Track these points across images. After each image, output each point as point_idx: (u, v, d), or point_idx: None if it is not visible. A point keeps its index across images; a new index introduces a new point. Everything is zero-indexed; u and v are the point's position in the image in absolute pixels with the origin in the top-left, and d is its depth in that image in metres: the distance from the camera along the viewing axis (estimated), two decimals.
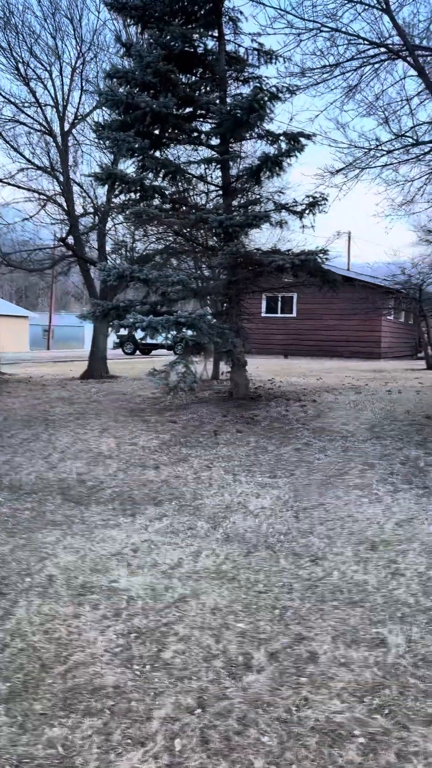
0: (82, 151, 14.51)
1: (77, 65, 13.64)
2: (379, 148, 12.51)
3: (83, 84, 13.63)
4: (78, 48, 13.64)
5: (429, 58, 9.31)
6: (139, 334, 29.42)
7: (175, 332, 7.64)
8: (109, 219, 13.93)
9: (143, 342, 31.85)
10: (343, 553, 4.62)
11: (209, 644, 3.47)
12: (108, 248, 14.00)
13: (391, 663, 3.25)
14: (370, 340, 25.19)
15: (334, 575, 4.27)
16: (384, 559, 4.50)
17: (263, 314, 26.58)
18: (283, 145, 8.52)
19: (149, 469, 6.95)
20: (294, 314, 26.53)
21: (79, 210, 14.22)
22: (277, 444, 7.43)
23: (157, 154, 8.92)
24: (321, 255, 8.00)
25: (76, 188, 14.14)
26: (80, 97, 13.84)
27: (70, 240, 13.84)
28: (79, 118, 13.90)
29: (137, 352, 32.75)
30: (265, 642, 3.48)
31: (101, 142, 12.21)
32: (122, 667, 3.27)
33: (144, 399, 10.37)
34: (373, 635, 3.52)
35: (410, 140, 12.62)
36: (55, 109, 13.59)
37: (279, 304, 26.64)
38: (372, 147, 12.45)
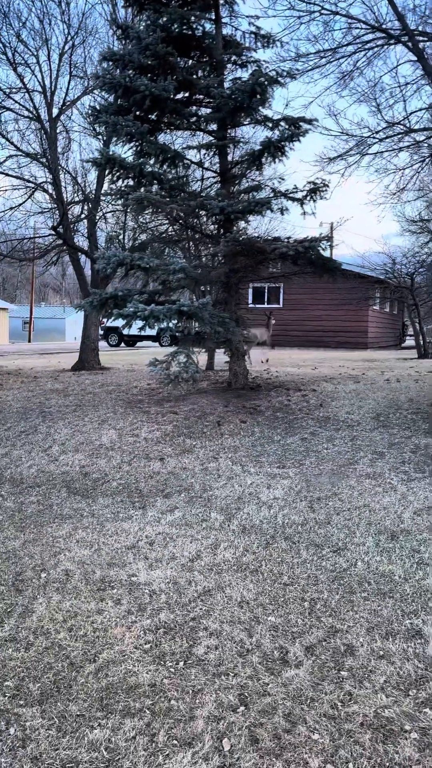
0: (70, 138, 14.20)
1: (65, 50, 13.35)
2: (373, 136, 12.45)
3: (71, 69, 13.35)
4: (66, 32, 13.35)
5: (429, 43, 9.23)
6: (120, 324, 28.87)
7: (176, 321, 7.49)
8: (99, 207, 13.68)
9: (128, 333, 31.57)
10: (364, 544, 4.54)
11: (242, 639, 3.37)
12: (103, 236, 13.75)
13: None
14: (357, 331, 25.20)
15: (359, 566, 4.19)
16: (406, 549, 4.43)
17: (250, 305, 26.45)
18: (279, 131, 8.36)
19: (154, 460, 6.82)
20: (281, 305, 26.45)
21: (69, 198, 13.94)
22: (283, 434, 7.33)
23: (153, 139, 8.70)
24: (325, 242, 7.90)
25: (64, 176, 13.86)
26: (68, 83, 13.57)
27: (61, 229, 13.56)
28: (67, 104, 13.60)
29: (122, 344, 32.48)
30: (299, 635, 3.39)
31: (94, 127, 12.01)
32: (155, 664, 3.16)
33: (141, 390, 10.21)
34: (407, 626, 3.45)
35: (403, 128, 12.59)
36: (43, 95, 13.29)
37: (266, 294, 26.53)
38: (366, 135, 12.38)
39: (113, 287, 13.29)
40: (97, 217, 13.76)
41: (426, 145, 11.83)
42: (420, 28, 9.37)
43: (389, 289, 21.07)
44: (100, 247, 13.63)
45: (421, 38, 8.96)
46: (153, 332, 33.66)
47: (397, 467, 6.11)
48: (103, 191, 10.71)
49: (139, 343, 32.44)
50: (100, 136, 12.79)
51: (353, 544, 4.56)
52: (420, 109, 10.47)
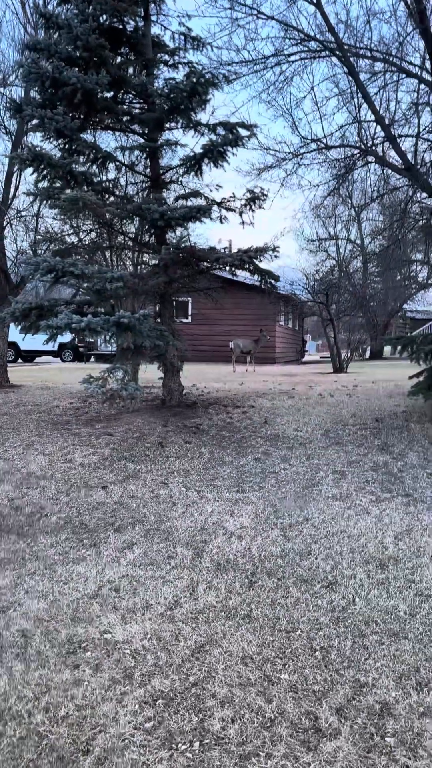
0: None
1: None
2: (292, 152, 12.47)
3: None
4: None
5: (357, 59, 9.24)
6: (17, 338, 27.14)
7: (113, 333, 6.86)
8: (7, 212, 12.68)
9: (26, 349, 30.00)
10: (354, 576, 4.17)
11: (260, 705, 2.86)
12: (9, 246, 12.75)
13: None
14: (266, 345, 25.31)
15: (358, 603, 3.80)
16: (401, 579, 4.10)
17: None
18: (219, 137, 7.99)
19: (96, 489, 6.14)
20: (189, 320, 26.14)
21: None
22: (234, 455, 6.88)
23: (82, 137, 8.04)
24: (271, 252, 7.59)
25: None
26: None
27: None
28: None
29: (18, 360, 30.81)
30: (323, 696, 2.93)
31: (4, 125, 11.10)
32: (166, 749, 2.59)
33: (64, 409, 9.41)
34: None
35: (319, 144, 12.70)
36: None
37: (174, 309, 26.08)
38: (286, 151, 12.37)
39: (31, 297, 12.36)
40: (5, 222, 12.75)
41: (346, 163, 11.96)
42: (352, 42, 9.39)
43: (303, 305, 21.27)
44: (8, 254, 12.63)
45: (350, 52, 8.93)
46: (53, 347, 32.24)
47: (363, 487, 5.83)
48: (26, 191, 9.91)
49: (38, 359, 30.95)
50: (9, 135, 11.88)
51: (343, 576, 4.17)
52: (345, 124, 10.49)
